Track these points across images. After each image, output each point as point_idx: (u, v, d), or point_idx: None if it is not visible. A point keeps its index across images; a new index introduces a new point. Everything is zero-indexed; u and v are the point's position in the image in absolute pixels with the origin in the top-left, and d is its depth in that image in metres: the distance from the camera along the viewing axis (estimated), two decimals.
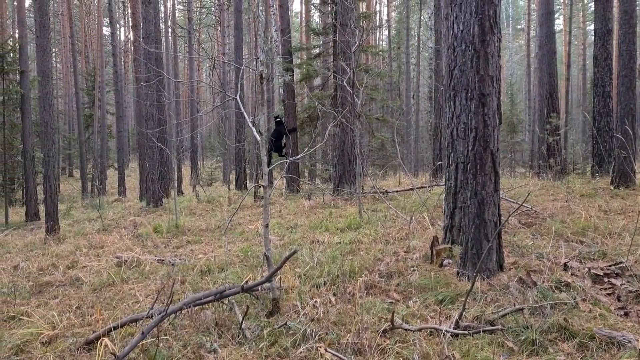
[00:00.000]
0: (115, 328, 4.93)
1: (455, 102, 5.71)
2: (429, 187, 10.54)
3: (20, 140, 17.98)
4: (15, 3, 48.63)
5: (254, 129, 5.23)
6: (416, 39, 39.69)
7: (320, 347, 4.10)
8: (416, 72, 39.18)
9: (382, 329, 4.22)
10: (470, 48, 5.28)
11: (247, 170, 21.55)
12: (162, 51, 16.69)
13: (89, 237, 11.17)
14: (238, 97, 5.53)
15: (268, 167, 5.08)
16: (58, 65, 57.42)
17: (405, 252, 6.45)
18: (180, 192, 24.15)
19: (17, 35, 18.01)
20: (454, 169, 6.15)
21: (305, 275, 6.06)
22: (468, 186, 5.46)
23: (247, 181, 21.51)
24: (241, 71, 6.02)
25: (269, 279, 4.69)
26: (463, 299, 4.46)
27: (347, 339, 4.12)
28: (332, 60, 15.34)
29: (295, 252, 4.62)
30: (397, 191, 11.01)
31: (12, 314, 6.38)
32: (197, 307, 4.99)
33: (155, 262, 8.15)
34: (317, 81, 21.64)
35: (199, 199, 16.27)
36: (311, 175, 21.08)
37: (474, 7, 5.18)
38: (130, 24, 20.73)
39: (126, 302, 6.27)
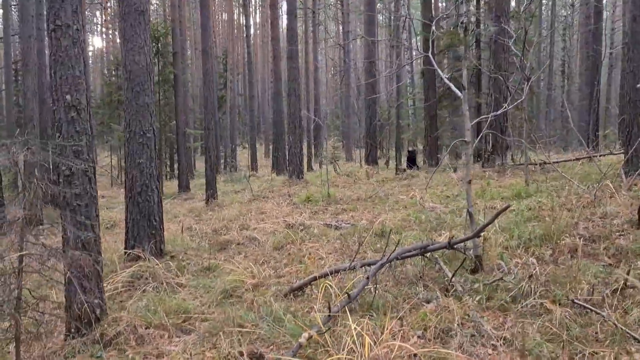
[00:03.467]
0: (320, 277, 5.17)
1: None
2: (599, 155, 9.80)
3: (173, 118, 19.51)
4: None
5: (451, 84, 5.13)
6: None
7: (546, 302, 3.96)
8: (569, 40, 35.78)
9: (613, 289, 3.98)
10: None
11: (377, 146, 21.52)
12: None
13: (246, 205, 11.85)
14: (430, 54, 5.45)
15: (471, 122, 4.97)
16: (188, 52, 61.22)
17: (600, 218, 6.03)
18: (310, 168, 24.82)
19: (169, 18, 19.38)
20: None
21: (491, 238, 5.89)
22: None
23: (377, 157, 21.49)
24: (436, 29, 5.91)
25: (477, 234, 4.62)
26: None
27: (578, 296, 3.93)
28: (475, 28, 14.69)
29: (508, 206, 4.48)
30: (557, 162, 10.37)
31: (206, 265, 6.97)
32: (398, 262, 5.06)
33: (322, 226, 8.44)
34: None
35: (337, 172, 16.58)
36: (450, 151, 20.56)
37: None
38: (269, 2, 21.44)
39: (310, 259, 6.54)
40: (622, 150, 9.71)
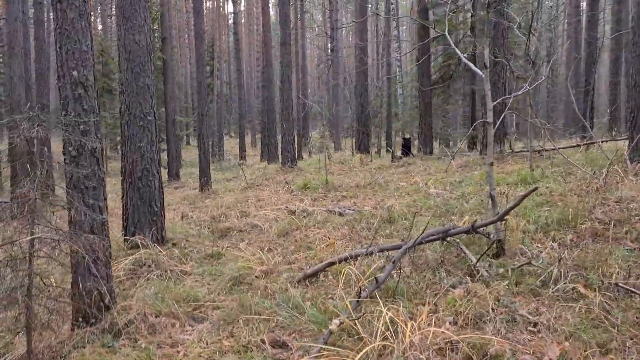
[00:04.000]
0: (337, 263, 5.01)
1: None
2: (602, 141, 9.76)
3: (161, 105, 19.08)
4: None
5: (471, 64, 4.97)
6: None
7: (578, 287, 3.85)
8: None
9: None
10: None
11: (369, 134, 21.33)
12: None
13: (242, 192, 11.61)
14: (447, 33, 5.28)
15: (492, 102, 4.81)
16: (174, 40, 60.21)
17: (616, 202, 5.94)
18: (300, 156, 24.61)
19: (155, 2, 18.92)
20: None
21: (511, 222, 5.76)
22: None
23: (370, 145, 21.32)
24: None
25: (502, 218, 4.48)
26: None
27: (612, 280, 3.82)
28: (470, 16, 14.57)
29: (536, 188, 4.35)
30: (563, 148, 10.32)
31: (210, 253, 6.76)
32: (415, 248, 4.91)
33: (324, 212, 8.26)
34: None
35: (331, 159, 16.39)
36: (442, 139, 20.53)
37: None
38: None
39: (319, 245, 6.38)
40: (625, 136, 9.69)
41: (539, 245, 4.95)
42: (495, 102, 4.86)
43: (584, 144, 10.28)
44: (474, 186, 8.39)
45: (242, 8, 49.45)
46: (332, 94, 35.48)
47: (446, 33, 5.28)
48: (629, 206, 5.71)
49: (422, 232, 4.37)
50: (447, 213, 6.92)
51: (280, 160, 17.03)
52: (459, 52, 5.09)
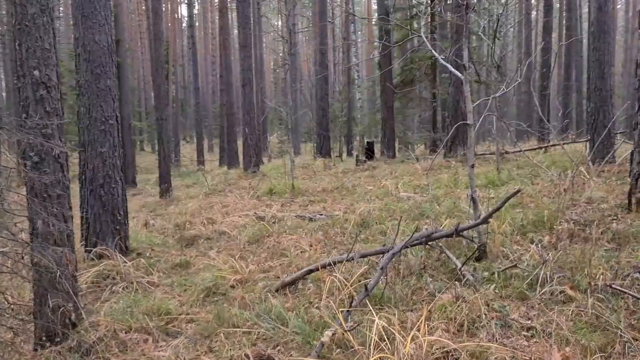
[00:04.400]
0: (316, 270, 4.84)
1: None
2: (562, 144, 9.98)
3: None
4: None
5: (448, 65, 4.93)
6: None
7: (565, 289, 3.82)
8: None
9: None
10: None
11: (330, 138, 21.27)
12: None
13: (205, 199, 11.27)
14: (423, 35, 5.22)
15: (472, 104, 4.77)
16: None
17: (586, 203, 6.04)
18: (260, 161, 24.31)
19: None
20: None
21: (492, 225, 5.74)
22: None
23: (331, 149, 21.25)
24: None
25: (485, 220, 4.42)
26: None
27: (598, 281, 3.81)
28: (430, 20, 14.72)
29: (519, 190, 4.32)
30: (518, 151, 10.52)
31: (177, 262, 6.45)
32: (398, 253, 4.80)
33: (294, 218, 8.07)
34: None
35: (294, 164, 16.20)
36: (402, 143, 20.68)
37: None
38: None
39: (294, 252, 6.18)
40: (584, 139, 9.97)
41: (518, 247, 4.94)
42: (474, 104, 4.81)
43: (549, 146, 10.53)
44: (444, 189, 8.41)
45: (196, 11, 48.63)
46: (291, 98, 35.30)
47: (422, 34, 5.23)
48: (600, 207, 5.81)
49: (411, 237, 4.26)
50: (421, 216, 6.87)
51: (241, 165, 16.72)
52: (436, 54, 5.04)
